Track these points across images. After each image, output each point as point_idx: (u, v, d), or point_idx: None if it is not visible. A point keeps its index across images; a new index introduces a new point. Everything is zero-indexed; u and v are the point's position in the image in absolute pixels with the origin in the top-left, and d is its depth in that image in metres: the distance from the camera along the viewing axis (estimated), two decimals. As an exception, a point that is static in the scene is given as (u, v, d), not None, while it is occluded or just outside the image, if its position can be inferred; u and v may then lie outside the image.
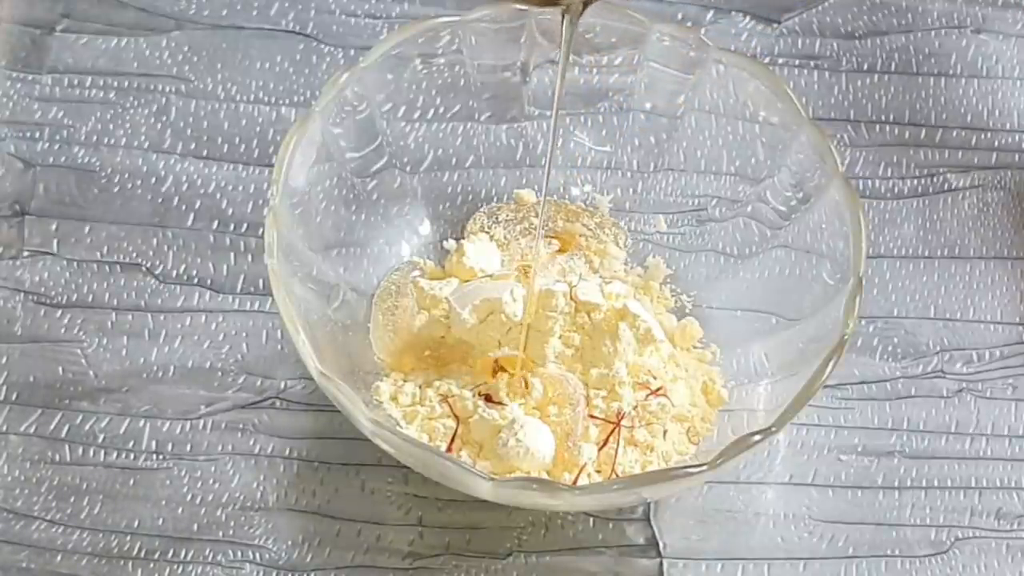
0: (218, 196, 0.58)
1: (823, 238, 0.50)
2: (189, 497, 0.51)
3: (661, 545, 0.51)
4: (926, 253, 0.58)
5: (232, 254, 0.57)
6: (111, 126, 0.59)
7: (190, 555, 0.50)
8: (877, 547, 0.52)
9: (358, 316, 0.53)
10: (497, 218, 0.56)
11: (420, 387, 0.50)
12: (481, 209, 0.56)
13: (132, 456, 0.52)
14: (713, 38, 0.52)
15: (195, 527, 0.51)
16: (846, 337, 0.45)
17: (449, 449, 0.48)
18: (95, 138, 0.59)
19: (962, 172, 0.60)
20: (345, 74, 0.49)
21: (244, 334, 0.55)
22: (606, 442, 0.49)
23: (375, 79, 0.51)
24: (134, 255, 0.56)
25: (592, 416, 0.49)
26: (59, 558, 0.50)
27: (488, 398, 0.49)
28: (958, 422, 0.54)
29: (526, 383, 0.49)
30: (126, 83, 0.60)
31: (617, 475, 0.48)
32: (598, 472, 0.49)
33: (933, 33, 0.63)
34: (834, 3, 0.64)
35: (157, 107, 0.60)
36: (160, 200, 0.58)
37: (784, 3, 0.64)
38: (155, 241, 0.57)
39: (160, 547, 0.51)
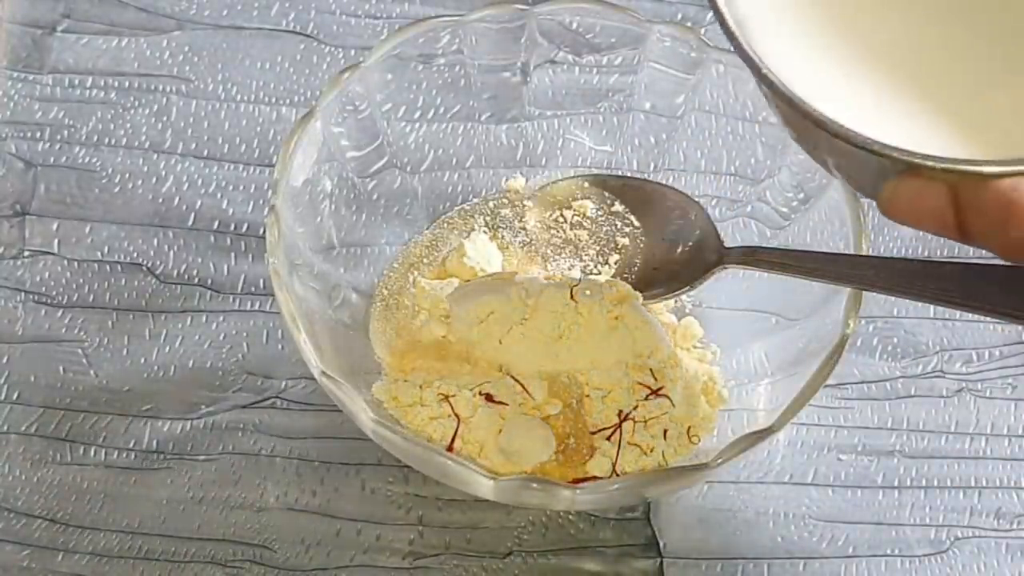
0: (218, 196, 0.58)
1: (823, 238, 0.50)
2: (189, 497, 0.52)
3: (661, 545, 0.51)
4: (926, 253, 0.58)
5: (233, 254, 0.57)
6: (112, 126, 0.59)
7: (190, 555, 0.50)
8: (877, 546, 0.52)
9: (359, 316, 0.53)
10: (489, 212, 0.56)
11: (420, 387, 0.50)
12: (468, 202, 0.56)
13: (132, 456, 0.52)
14: (713, 38, 0.52)
15: (195, 527, 0.51)
16: (846, 337, 0.45)
17: (450, 448, 0.48)
18: (96, 138, 0.59)
19: (962, 172, 0.60)
20: (346, 74, 0.49)
21: (245, 334, 0.55)
22: (609, 438, 0.49)
23: (376, 79, 0.51)
24: (135, 255, 0.56)
25: (592, 433, 0.49)
26: (60, 557, 0.50)
27: (488, 397, 0.49)
28: (958, 422, 0.54)
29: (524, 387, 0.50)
30: (127, 83, 0.60)
31: (617, 475, 0.48)
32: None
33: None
34: (834, 3, 0.64)
35: (158, 107, 0.60)
36: (161, 200, 0.58)
37: (784, 3, 0.64)
38: (156, 241, 0.57)
39: (160, 547, 0.51)
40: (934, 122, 0.32)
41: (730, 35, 0.33)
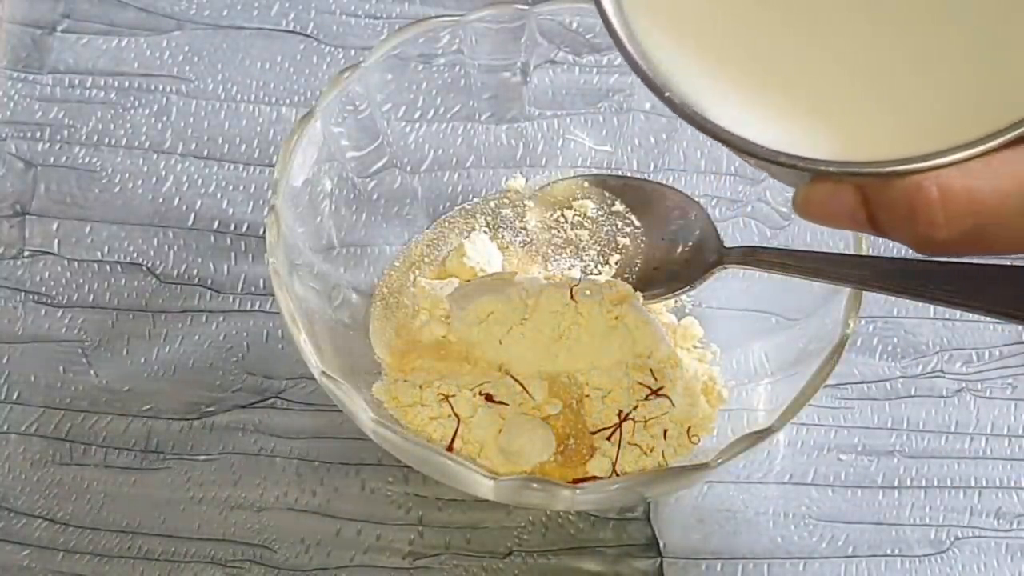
0: (218, 196, 0.58)
1: (823, 238, 0.50)
2: (189, 497, 0.52)
3: (661, 545, 0.51)
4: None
5: (233, 254, 0.57)
6: (112, 126, 0.59)
7: (190, 555, 0.50)
8: (877, 546, 0.52)
9: (359, 316, 0.53)
10: (490, 211, 0.56)
11: (420, 387, 0.50)
12: (469, 202, 0.56)
13: (132, 456, 0.52)
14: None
15: (195, 527, 0.51)
16: (846, 337, 0.45)
17: (450, 448, 0.48)
18: (96, 138, 0.59)
19: (962, 172, 0.60)
20: (346, 74, 0.49)
21: (244, 334, 0.55)
22: (609, 438, 0.49)
23: (376, 79, 0.51)
24: (135, 255, 0.56)
25: (592, 433, 0.49)
26: (60, 557, 0.50)
27: (488, 397, 0.49)
28: (958, 422, 0.54)
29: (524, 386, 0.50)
30: (127, 83, 0.60)
31: (617, 475, 0.48)
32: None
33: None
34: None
35: (157, 107, 0.60)
36: (161, 200, 0.58)
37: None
38: (156, 241, 0.57)
39: (160, 547, 0.51)
40: (834, 125, 0.33)
41: (628, 57, 0.34)
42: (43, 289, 0.56)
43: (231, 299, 0.56)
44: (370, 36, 0.62)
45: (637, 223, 0.54)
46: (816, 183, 0.33)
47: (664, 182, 0.55)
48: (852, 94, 0.33)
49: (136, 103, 0.60)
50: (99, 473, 0.52)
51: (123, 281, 0.56)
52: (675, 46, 0.34)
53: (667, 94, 0.33)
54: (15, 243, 0.56)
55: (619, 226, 0.55)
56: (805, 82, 0.33)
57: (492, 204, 0.56)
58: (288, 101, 0.60)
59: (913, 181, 0.31)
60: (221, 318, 0.55)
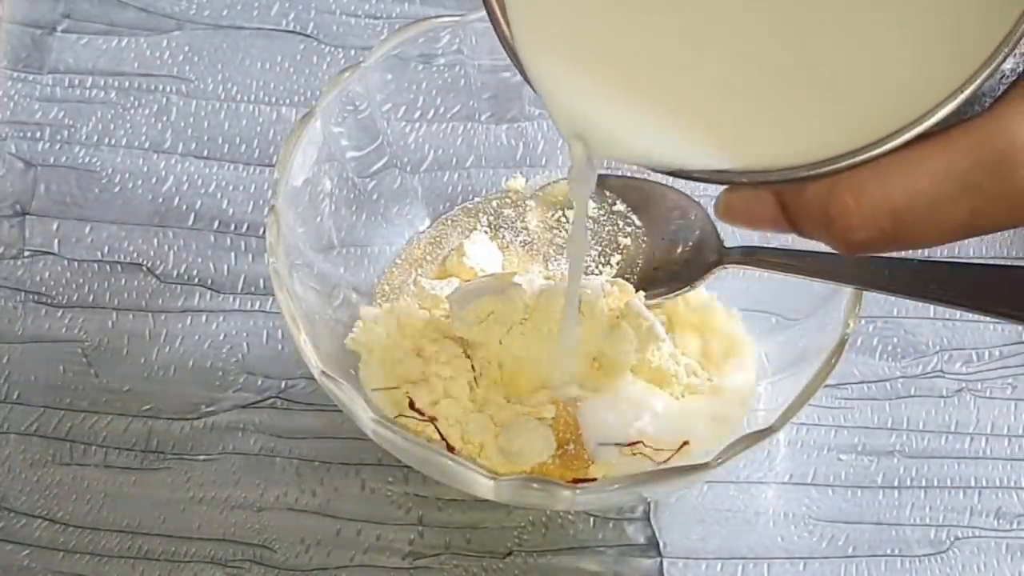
0: (218, 196, 0.58)
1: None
2: (189, 497, 0.52)
3: (661, 544, 0.51)
4: (926, 253, 0.58)
5: (233, 254, 0.57)
6: (112, 126, 0.59)
7: (190, 555, 0.50)
8: (877, 546, 0.52)
9: (359, 315, 0.53)
10: (492, 211, 0.56)
11: (420, 387, 0.50)
12: (469, 201, 0.56)
13: (132, 456, 0.52)
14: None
15: (195, 527, 0.51)
16: (846, 337, 0.45)
17: (450, 448, 0.48)
18: (96, 138, 0.59)
19: (962, 172, 0.60)
20: (346, 74, 0.49)
21: (245, 334, 0.55)
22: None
23: (376, 79, 0.51)
24: (135, 255, 0.56)
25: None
26: (60, 557, 0.50)
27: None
28: (958, 422, 0.54)
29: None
30: (127, 83, 0.60)
31: (617, 475, 0.48)
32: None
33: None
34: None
35: (158, 107, 0.60)
36: (161, 200, 0.58)
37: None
38: (156, 241, 0.57)
39: (160, 547, 0.51)
40: (742, 135, 0.33)
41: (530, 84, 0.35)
42: (43, 289, 0.56)
43: (231, 299, 0.56)
44: (370, 36, 0.62)
45: (638, 223, 0.54)
46: (734, 190, 0.33)
47: (664, 182, 0.55)
48: (757, 103, 0.33)
49: (136, 103, 0.60)
50: (99, 473, 0.52)
51: (123, 281, 0.56)
52: (581, 79, 0.34)
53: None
54: (15, 243, 0.56)
55: (620, 226, 0.55)
56: (709, 95, 0.33)
57: (493, 204, 0.56)
58: (288, 101, 0.60)
59: (824, 185, 0.31)
60: (221, 318, 0.55)
